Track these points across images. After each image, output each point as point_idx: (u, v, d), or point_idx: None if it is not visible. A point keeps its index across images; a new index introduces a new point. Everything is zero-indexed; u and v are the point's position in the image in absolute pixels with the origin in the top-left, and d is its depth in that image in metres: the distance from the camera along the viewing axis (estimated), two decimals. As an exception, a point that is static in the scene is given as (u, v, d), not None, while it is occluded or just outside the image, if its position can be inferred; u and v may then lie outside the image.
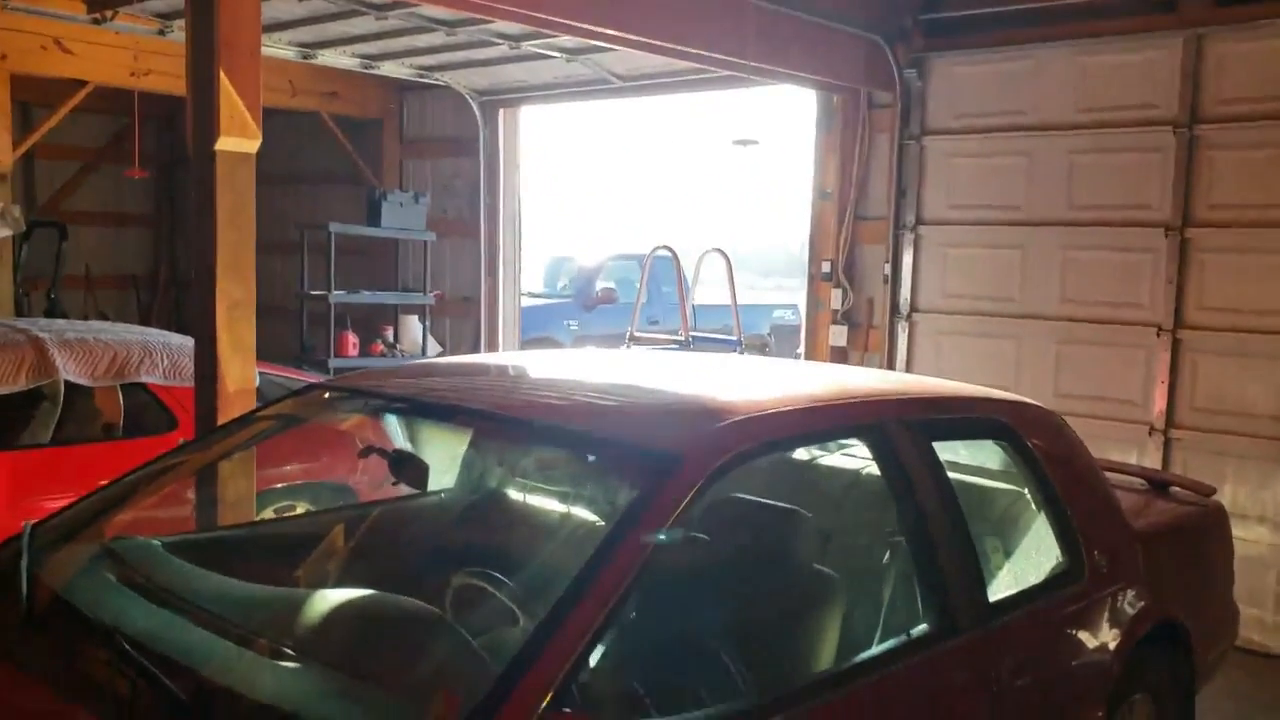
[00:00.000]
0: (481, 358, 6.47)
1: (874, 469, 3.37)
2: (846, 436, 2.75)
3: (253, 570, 2.57)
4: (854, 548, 3.11)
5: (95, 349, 4.84)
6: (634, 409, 2.67)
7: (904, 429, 2.77)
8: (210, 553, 2.72)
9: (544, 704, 1.81)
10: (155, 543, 2.72)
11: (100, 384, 4.86)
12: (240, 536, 3.24)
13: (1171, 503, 3.98)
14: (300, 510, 5.05)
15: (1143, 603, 3.32)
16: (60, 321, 5.63)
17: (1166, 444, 5.78)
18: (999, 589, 2.90)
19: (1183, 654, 3.58)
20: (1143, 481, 4.14)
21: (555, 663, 1.86)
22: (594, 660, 2.50)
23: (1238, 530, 4.24)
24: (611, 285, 12.28)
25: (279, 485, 5.02)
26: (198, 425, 3.99)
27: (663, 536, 2.10)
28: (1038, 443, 3.21)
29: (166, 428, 4.90)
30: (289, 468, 5.17)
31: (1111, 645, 3.18)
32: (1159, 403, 5.80)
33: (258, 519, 3.70)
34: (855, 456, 3.53)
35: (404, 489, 3.56)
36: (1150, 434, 5.80)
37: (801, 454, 3.68)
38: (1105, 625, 3.16)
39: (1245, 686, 5.02)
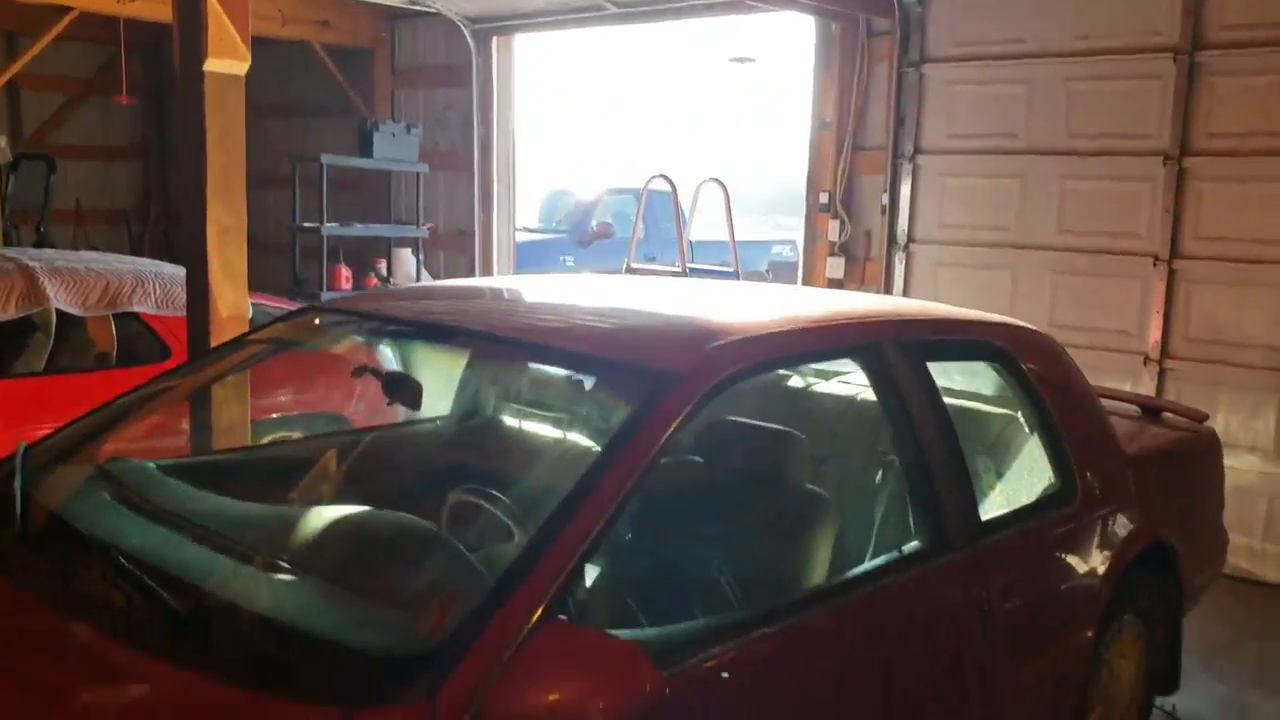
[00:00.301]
0: (477, 281, 6.45)
1: (868, 395, 3.39)
2: (842, 357, 2.74)
3: (246, 493, 2.58)
4: (847, 470, 3.12)
5: (86, 278, 4.81)
6: (631, 330, 2.66)
7: (899, 350, 2.76)
8: (204, 475, 2.73)
9: (538, 612, 1.81)
10: (150, 465, 2.72)
11: (92, 313, 4.84)
12: (234, 460, 3.24)
13: (1164, 428, 4.00)
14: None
15: (1133, 525, 3.34)
16: (49, 251, 5.59)
17: (1161, 374, 5.79)
18: (991, 509, 2.92)
19: (1172, 577, 3.62)
20: (1136, 408, 4.15)
21: (551, 572, 1.86)
22: (589, 580, 2.54)
23: (1230, 460, 4.26)
24: (608, 220, 12.18)
25: (273, 415, 5.02)
26: (191, 353, 3.98)
27: (657, 452, 2.09)
28: (1033, 366, 3.21)
29: (160, 357, 4.89)
30: (282, 397, 5.16)
31: (1102, 566, 3.21)
32: (1154, 333, 5.80)
33: (252, 444, 3.70)
34: (850, 384, 3.54)
35: (398, 416, 3.59)
36: (1145, 364, 5.81)
37: (796, 382, 3.69)
38: (1096, 546, 3.19)
39: (1232, 612, 5.09)
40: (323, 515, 2.35)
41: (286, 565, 2.10)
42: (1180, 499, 3.73)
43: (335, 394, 5.37)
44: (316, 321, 3.08)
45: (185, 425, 3.70)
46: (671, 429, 2.14)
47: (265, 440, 4.31)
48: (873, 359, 2.73)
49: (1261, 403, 5.54)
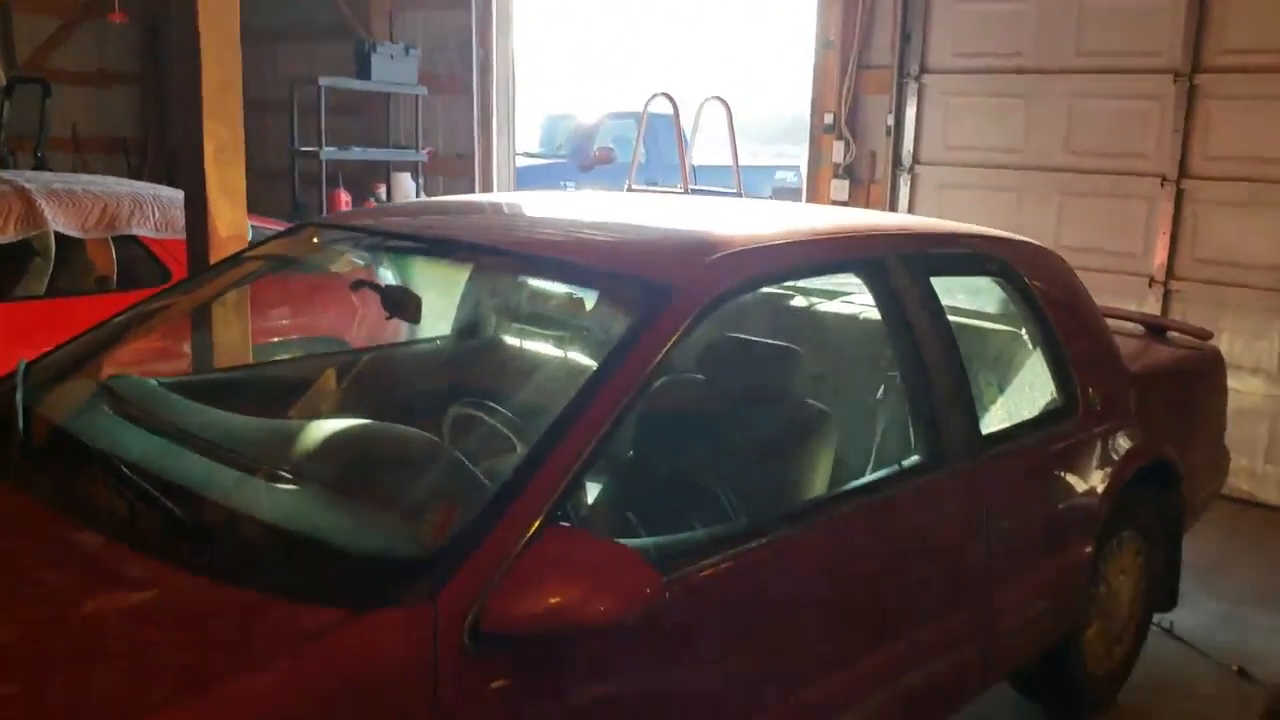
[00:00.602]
0: (476, 197, 6.40)
1: (870, 314, 3.37)
2: (844, 271, 2.72)
3: (247, 409, 2.57)
4: (848, 386, 3.12)
5: (84, 200, 4.78)
6: (631, 243, 2.64)
7: (902, 264, 2.74)
8: (205, 392, 2.72)
9: (540, 518, 1.82)
10: (152, 381, 2.72)
11: (91, 236, 4.81)
12: (235, 378, 3.24)
13: (1168, 347, 3.99)
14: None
15: (1135, 442, 3.35)
16: (46, 174, 5.55)
17: (1166, 295, 5.76)
18: (992, 423, 2.91)
19: (1173, 494, 3.63)
20: (1140, 326, 4.14)
21: (552, 479, 1.86)
22: (591, 496, 2.55)
23: (1233, 382, 4.25)
24: (610, 145, 12.06)
25: (274, 340, 5.02)
26: (190, 273, 3.96)
27: (657, 365, 2.08)
28: (1037, 281, 3.19)
29: (160, 280, 4.86)
30: (282, 321, 5.15)
31: (1102, 482, 3.21)
32: (1160, 254, 5.76)
33: (253, 363, 3.70)
34: (852, 304, 3.53)
35: (399, 338, 3.59)
36: (1150, 285, 5.78)
37: (799, 301, 3.67)
38: (1096, 462, 3.19)
39: (1231, 533, 5.12)
40: (325, 427, 2.35)
41: (290, 475, 2.11)
42: (1183, 417, 3.73)
43: (335, 318, 5.36)
44: (315, 238, 3.05)
45: (186, 344, 3.70)
46: (671, 342, 2.12)
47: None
48: (875, 273, 2.70)
49: (1266, 324, 5.51)
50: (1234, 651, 3.98)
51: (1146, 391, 3.49)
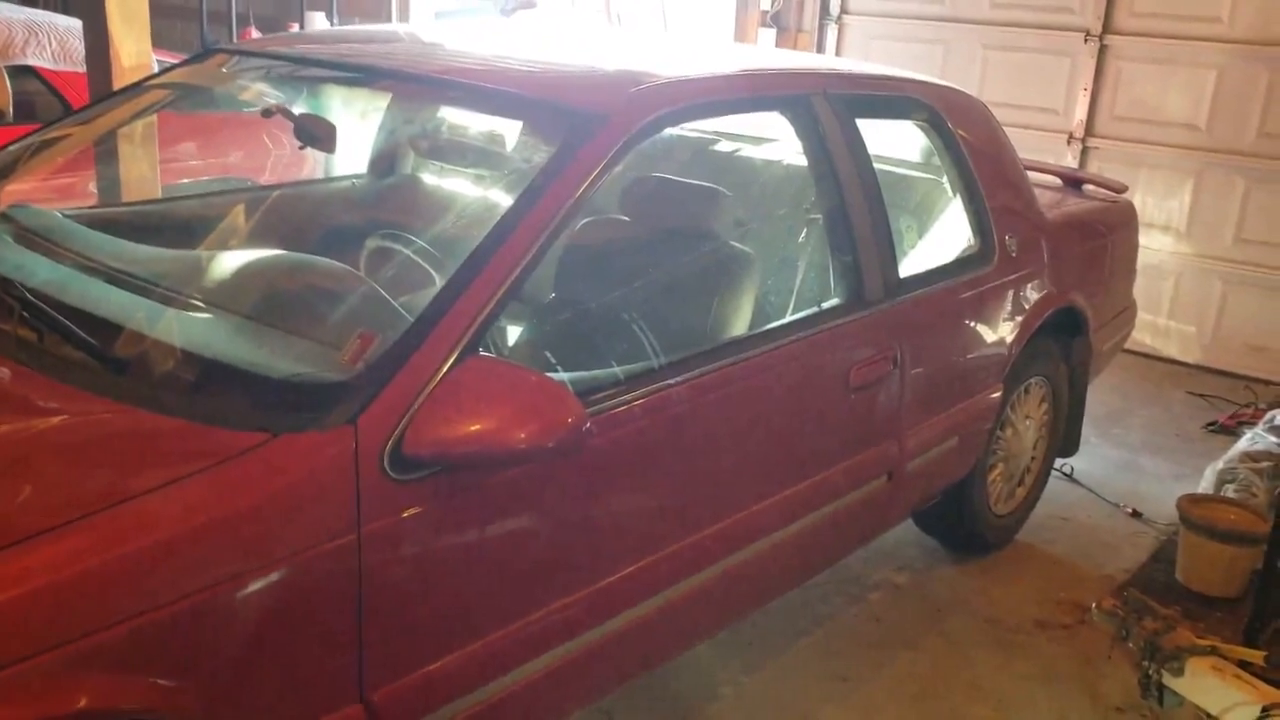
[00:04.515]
0: (392, 26, 6.17)
1: (794, 159, 3.36)
2: (771, 108, 2.68)
3: (154, 243, 2.48)
4: (771, 230, 3.12)
5: (-27, 26, 4.51)
6: (559, 73, 2.57)
7: (828, 103, 2.72)
8: (110, 225, 2.61)
9: (461, 345, 1.81)
10: (54, 211, 2.62)
11: (-18, 64, 4.55)
12: (141, 211, 3.12)
13: (1083, 199, 4.05)
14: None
15: (1047, 289, 3.42)
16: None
17: (1084, 152, 5.84)
18: (910, 267, 2.94)
19: (1081, 343, 3.74)
20: (1057, 179, 4.19)
21: (474, 306, 1.85)
22: (511, 338, 2.53)
23: (1143, 239, 4.34)
24: (532, -9, 11.66)
25: (182, 180, 4.85)
26: (91, 104, 3.77)
27: (583, 194, 2.05)
28: (960, 127, 3.19)
29: (60, 114, 4.64)
30: (190, 161, 4.98)
31: (1014, 328, 3.29)
32: (1080, 111, 5.81)
33: (160, 198, 3.56)
34: (775, 149, 3.50)
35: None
36: (1069, 142, 5.84)
37: (723, 146, 3.64)
38: (1010, 308, 3.26)
39: (1130, 385, 5.32)
40: (240, 258, 2.30)
41: (206, 304, 2.06)
42: (1094, 268, 3.81)
43: (245, 158, 5.20)
44: (223, 66, 2.92)
45: (89, 178, 3.56)
46: (598, 170, 2.09)
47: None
48: (801, 111, 2.68)
49: (1178, 183, 5.63)
50: (1128, 495, 4.17)
51: (1061, 241, 3.56)
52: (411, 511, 1.76)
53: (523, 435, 1.73)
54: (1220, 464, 4.03)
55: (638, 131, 2.21)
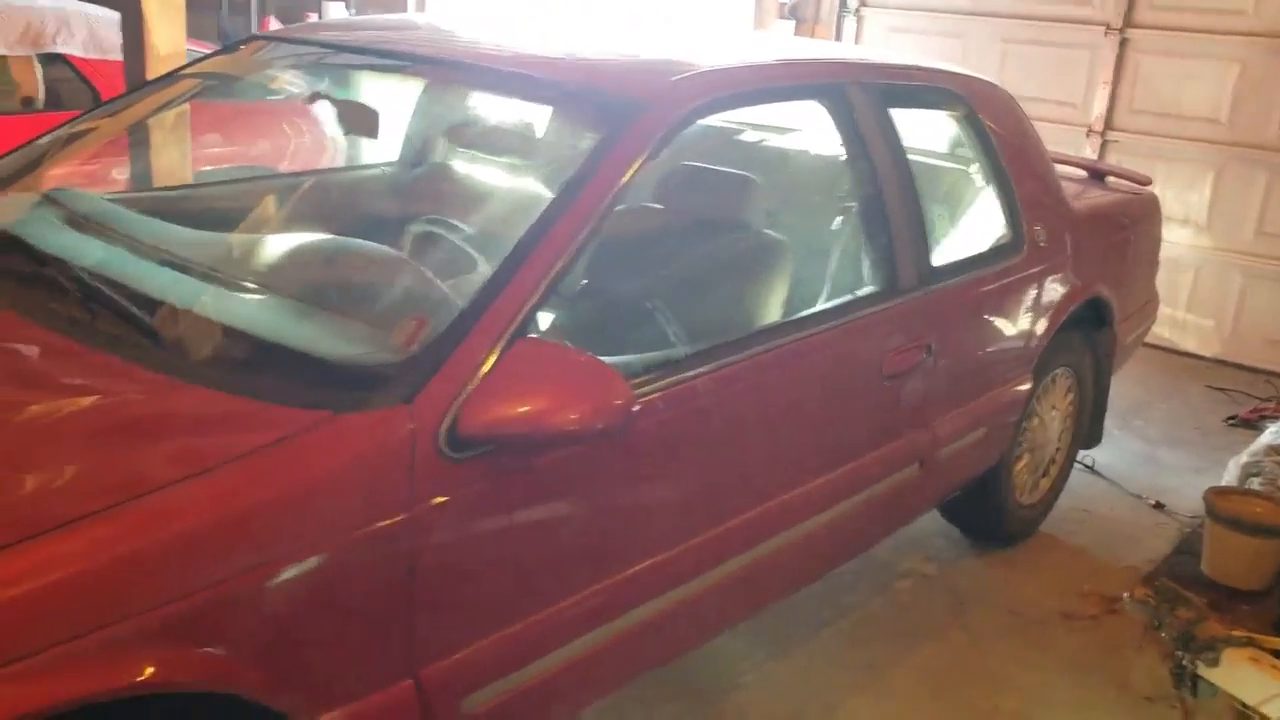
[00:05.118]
0: (424, 16, 6.19)
1: (822, 149, 3.38)
2: (807, 96, 2.70)
3: (192, 226, 2.51)
4: (803, 219, 3.14)
5: (5, 14, 4.54)
6: (595, 61, 2.59)
7: (862, 92, 2.74)
8: (148, 209, 2.63)
9: (513, 327, 1.83)
10: (96, 194, 2.65)
11: (14, 52, 4.58)
12: (176, 197, 3.14)
13: (1107, 191, 4.06)
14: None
15: (1075, 280, 3.44)
16: (-40, -14, 5.23)
17: (1103, 146, 5.85)
18: (941, 256, 2.96)
19: (1106, 334, 3.75)
20: (1081, 170, 4.20)
21: (526, 289, 1.87)
22: (544, 324, 2.55)
23: (1162, 232, 4.35)
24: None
25: (205, 167, 4.88)
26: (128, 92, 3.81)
27: (627, 180, 2.07)
28: (990, 118, 3.21)
29: (89, 102, 4.68)
30: (215, 149, 5.01)
31: (1042, 317, 3.31)
32: (1099, 104, 5.81)
33: (194, 183, 3.59)
34: (801, 140, 3.52)
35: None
36: (1088, 135, 5.85)
37: (750, 135, 3.65)
38: (1039, 298, 3.28)
39: (1149, 378, 5.34)
40: (289, 241, 2.32)
41: (259, 285, 2.09)
42: (1119, 258, 3.83)
43: (269, 149, 5.23)
44: (256, 54, 2.94)
45: (122, 165, 3.59)
46: (643, 157, 2.12)
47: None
48: (837, 100, 2.70)
49: (1198, 176, 5.63)
50: (1149, 487, 4.19)
51: (1087, 232, 3.57)
52: (463, 490, 1.78)
53: (574, 416, 1.75)
54: (1244, 457, 4.04)
55: (679, 120, 2.23)
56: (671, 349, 2.25)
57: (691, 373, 2.17)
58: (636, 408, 1.85)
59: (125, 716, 1.46)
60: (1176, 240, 5.61)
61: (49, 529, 1.42)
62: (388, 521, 1.69)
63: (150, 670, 1.46)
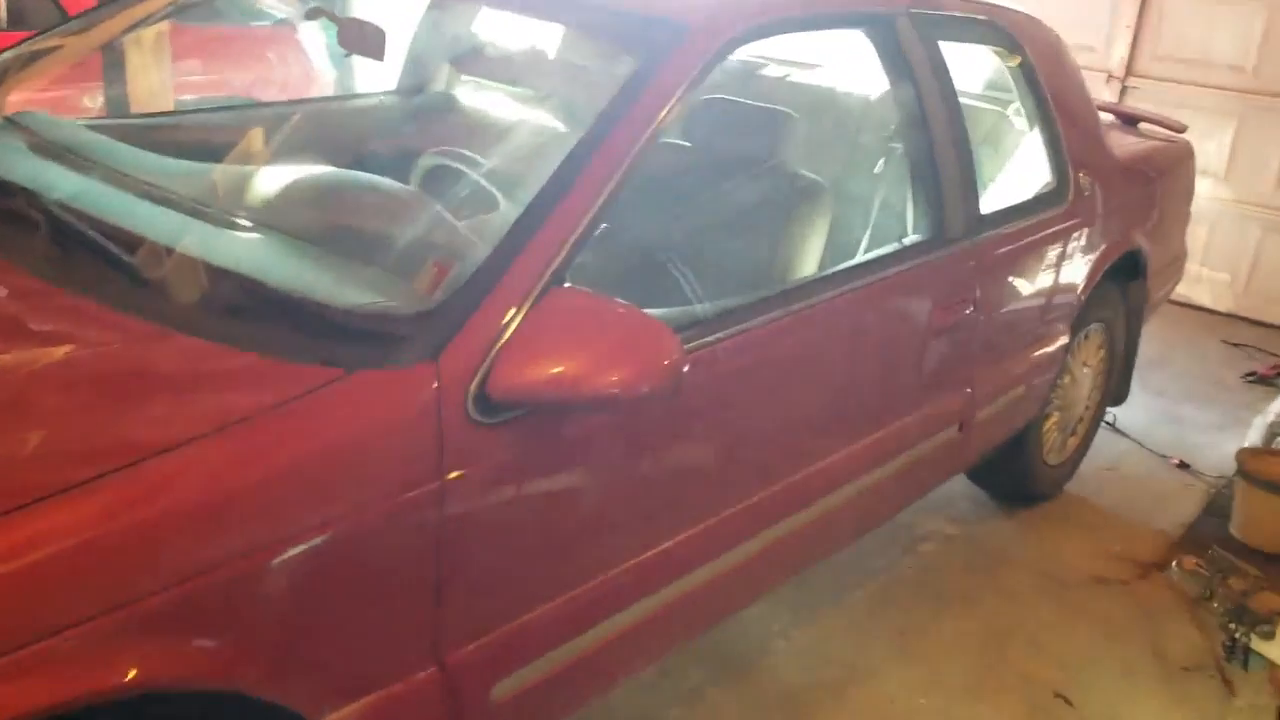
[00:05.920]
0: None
1: (853, 88, 3.15)
2: (853, 25, 2.46)
3: (178, 155, 2.26)
4: (835, 163, 2.92)
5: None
6: None
7: (912, 25, 2.51)
8: (125, 136, 2.37)
9: (549, 274, 1.62)
10: (67, 119, 2.39)
11: (-25, -34, 4.27)
12: (157, 124, 2.88)
13: (1141, 138, 3.86)
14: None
15: (1116, 231, 3.25)
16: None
17: (1123, 92, 5.63)
18: (988, 204, 2.76)
19: (1139, 287, 3.57)
20: (1113, 116, 4.00)
21: (562, 231, 1.65)
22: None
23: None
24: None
25: (185, 96, 4.60)
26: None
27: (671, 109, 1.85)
28: (1039, 58, 2.99)
29: (56, 21, 4.38)
30: (196, 78, 4.72)
31: (1084, 269, 3.13)
32: (1121, 49, 5.59)
33: (174, 110, 3.33)
34: (830, 75, 3.30)
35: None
36: (1108, 81, 5.63)
37: (799, 76, 3.40)
38: (1082, 248, 3.09)
39: (1165, 332, 5.16)
40: (288, 174, 2.07)
41: (259, 223, 1.85)
42: (1154, 209, 3.63)
43: (256, 79, 4.96)
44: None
45: (95, 89, 3.32)
46: (688, 83, 1.89)
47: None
48: (884, 31, 2.47)
49: (1219, 125, 5.43)
50: (1173, 445, 4.04)
51: (1127, 181, 3.38)
52: (496, 459, 1.58)
53: (616, 378, 1.54)
54: (1272, 416, 3.90)
55: (724, 45, 2.00)
56: (704, 302, 2.03)
57: (739, 327, 1.96)
58: (686, 368, 1.63)
59: (125, 716, 1.26)
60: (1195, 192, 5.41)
61: (17, 506, 1.20)
62: (412, 493, 1.48)
63: (133, 672, 1.25)
